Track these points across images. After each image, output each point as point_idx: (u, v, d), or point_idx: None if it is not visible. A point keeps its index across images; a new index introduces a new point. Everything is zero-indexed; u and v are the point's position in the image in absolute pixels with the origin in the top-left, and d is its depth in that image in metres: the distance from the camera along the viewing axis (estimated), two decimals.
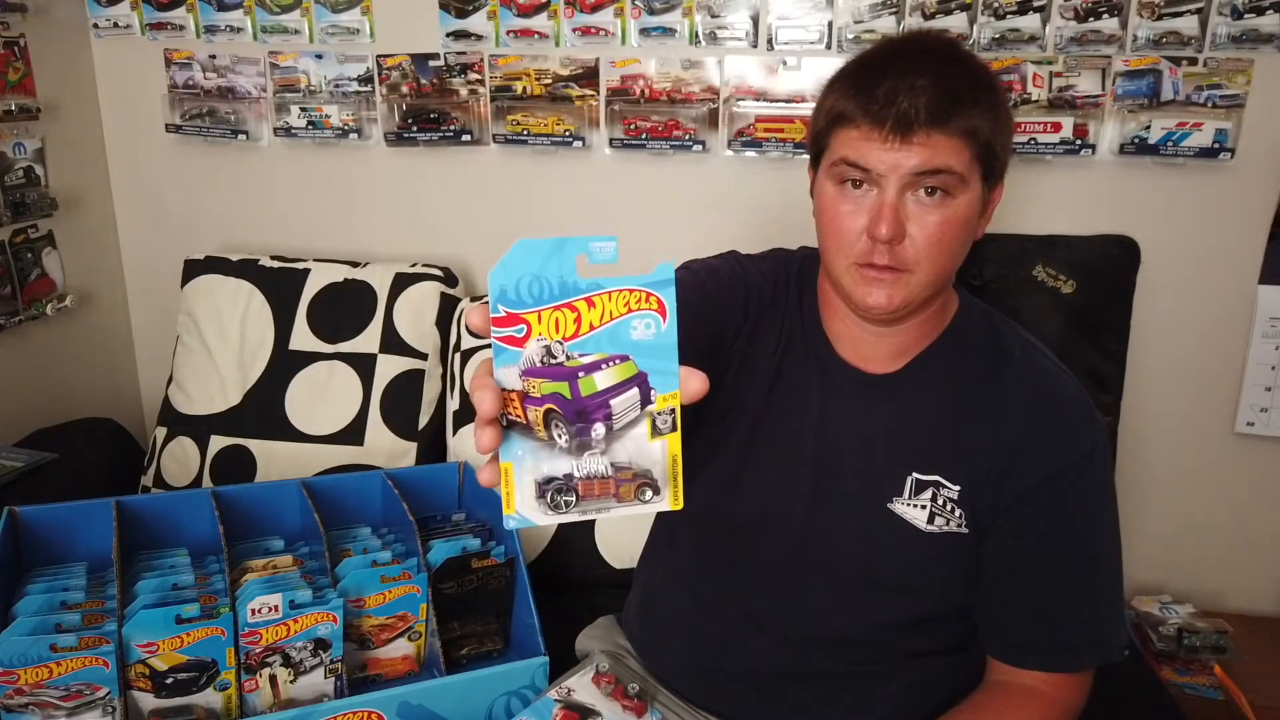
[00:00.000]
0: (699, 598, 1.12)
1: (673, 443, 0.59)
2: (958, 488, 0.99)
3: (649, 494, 0.60)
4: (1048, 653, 0.99)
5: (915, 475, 1.00)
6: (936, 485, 1.00)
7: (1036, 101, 1.61)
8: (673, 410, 0.59)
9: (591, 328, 0.58)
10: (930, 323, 1.03)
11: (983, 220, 0.99)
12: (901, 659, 1.04)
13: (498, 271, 0.57)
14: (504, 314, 0.58)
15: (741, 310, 1.06)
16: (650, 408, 0.59)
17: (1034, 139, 1.61)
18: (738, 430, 1.06)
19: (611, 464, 0.59)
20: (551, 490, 0.59)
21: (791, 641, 1.06)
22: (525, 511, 0.59)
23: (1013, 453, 0.98)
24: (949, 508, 0.99)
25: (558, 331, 0.58)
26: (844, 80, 0.95)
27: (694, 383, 0.58)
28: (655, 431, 0.59)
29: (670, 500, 0.60)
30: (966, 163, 0.91)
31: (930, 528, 1.00)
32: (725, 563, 1.10)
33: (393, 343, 1.73)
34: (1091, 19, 1.56)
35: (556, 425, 0.59)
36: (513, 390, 0.58)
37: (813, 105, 1.02)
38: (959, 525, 0.99)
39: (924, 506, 1.00)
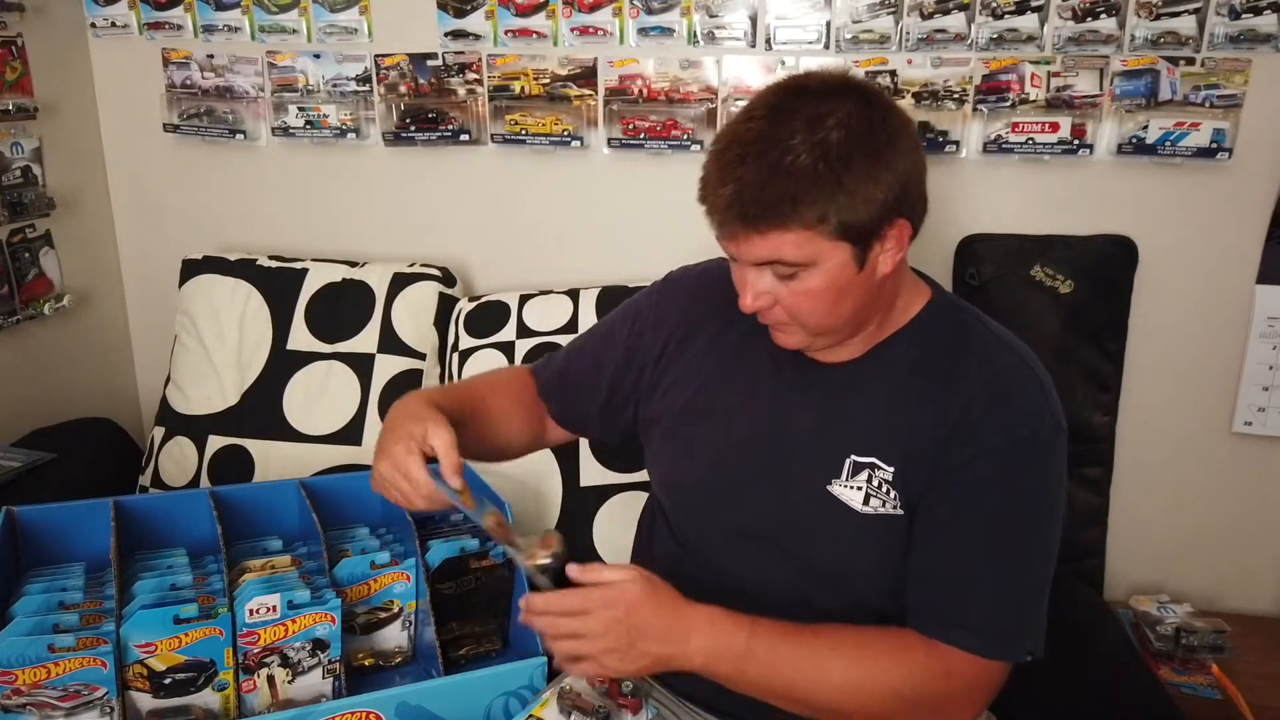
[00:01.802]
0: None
1: None
2: (892, 469, 1.00)
3: None
4: (951, 628, 0.97)
5: (853, 458, 1.02)
6: (872, 467, 1.01)
7: (1034, 101, 1.61)
8: None
9: None
10: (888, 319, 1.04)
11: (883, 263, 0.96)
12: None
13: None
14: None
15: (652, 343, 1.17)
16: None
17: (1032, 139, 1.61)
18: (688, 422, 1.13)
19: None
20: None
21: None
22: None
23: (946, 433, 0.98)
24: (884, 489, 1.00)
25: None
26: (704, 166, 0.95)
27: None
28: None
29: None
30: (808, 250, 0.91)
31: (866, 509, 1.01)
32: (687, 550, 1.13)
33: (391, 342, 1.73)
34: (1089, 19, 1.56)
35: None
36: None
37: None
38: (894, 507, 1.00)
39: (859, 488, 1.01)
